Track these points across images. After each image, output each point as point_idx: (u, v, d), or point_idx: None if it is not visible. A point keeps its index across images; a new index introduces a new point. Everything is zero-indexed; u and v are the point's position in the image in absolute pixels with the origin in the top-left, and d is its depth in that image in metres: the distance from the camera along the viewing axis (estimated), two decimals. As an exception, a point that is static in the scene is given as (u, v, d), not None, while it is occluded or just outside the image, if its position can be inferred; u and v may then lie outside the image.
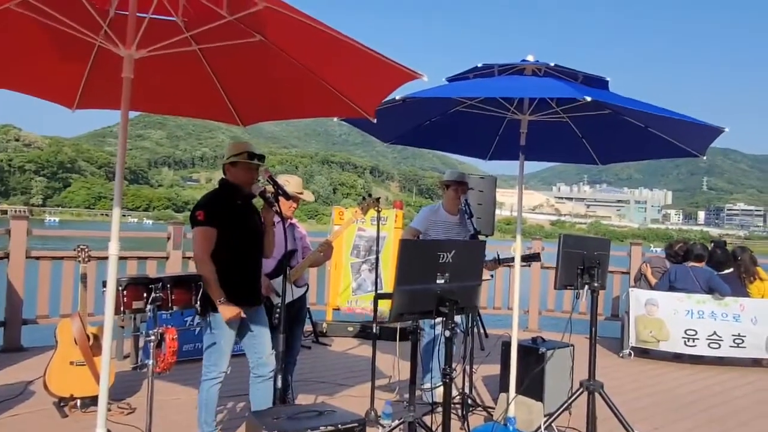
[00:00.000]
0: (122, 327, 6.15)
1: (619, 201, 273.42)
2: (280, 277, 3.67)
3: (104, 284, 4.28)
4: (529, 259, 5.43)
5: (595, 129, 4.79)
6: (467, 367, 4.83)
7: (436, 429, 3.64)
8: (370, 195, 4.45)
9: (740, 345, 7.07)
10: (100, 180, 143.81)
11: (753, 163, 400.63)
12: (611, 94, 3.93)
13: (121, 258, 6.45)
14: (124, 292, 3.06)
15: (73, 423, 4.39)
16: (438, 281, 2.92)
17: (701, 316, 7.14)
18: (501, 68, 4.68)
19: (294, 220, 4.63)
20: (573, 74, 4.40)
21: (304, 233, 4.74)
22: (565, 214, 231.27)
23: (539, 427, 3.76)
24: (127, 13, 2.86)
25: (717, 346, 7.10)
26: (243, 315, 3.63)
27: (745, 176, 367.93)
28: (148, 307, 3.19)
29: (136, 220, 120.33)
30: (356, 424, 2.80)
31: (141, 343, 5.93)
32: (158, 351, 3.19)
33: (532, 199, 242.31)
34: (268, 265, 3.98)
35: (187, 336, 6.12)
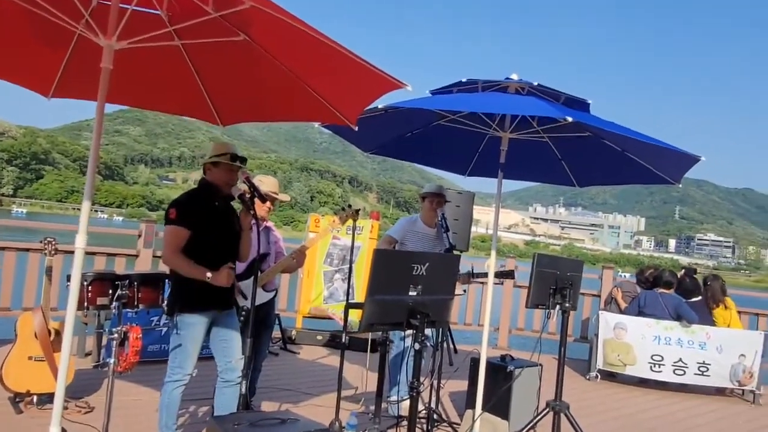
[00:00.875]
0: (85, 323, 6.02)
1: (593, 225, 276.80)
2: (249, 280, 3.61)
3: (69, 278, 4.15)
4: (502, 275, 5.43)
5: (573, 151, 4.83)
6: (435, 382, 4.80)
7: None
8: (350, 206, 4.42)
9: (704, 373, 7.15)
10: (74, 174, 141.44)
11: (725, 195, 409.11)
12: (592, 117, 3.97)
13: (89, 253, 6.36)
14: (89, 287, 3.00)
15: (28, 419, 4.26)
16: (410, 293, 2.89)
17: (668, 342, 7.21)
18: (485, 84, 4.70)
19: (269, 224, 4.57)
20: (555, 95, 4.44)
21: (279, 237, 4.69)
22: (539, 235, 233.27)
23: (504, 446, 3.74)
24: (110, 3, 2.81)
25: (682, 372, 7.17)
26: (231, 266, 3.53)
27: (716, 208, 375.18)
28: (113, 304, 3.13)
29: (106, 216, 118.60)
30: (319, 435, 2.76)
31: (104, 341, 5.79)
32: (121, 350, 3.12)
33: (507, 218, 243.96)
34: (239, 266, 3.91)
35: (153, 336, 6.00)
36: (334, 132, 4.49)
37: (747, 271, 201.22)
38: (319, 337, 7.79)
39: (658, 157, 4.28)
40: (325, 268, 8.04)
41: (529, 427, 3.88)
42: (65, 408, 4.42)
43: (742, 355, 7.11)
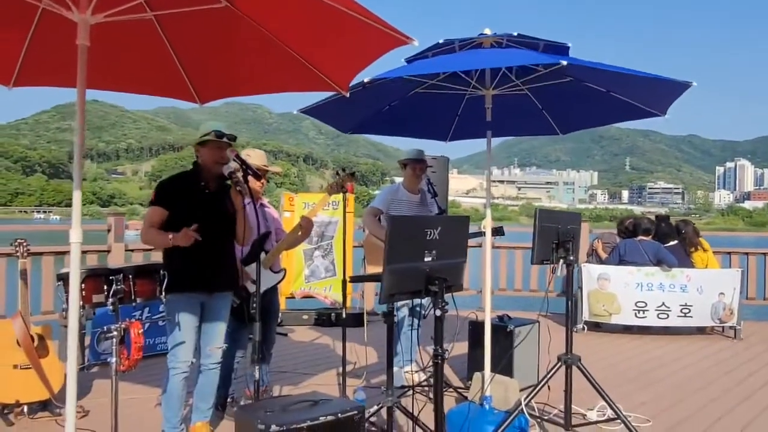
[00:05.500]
0: (65, 327, 5.75)
1: (548, 183, 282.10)
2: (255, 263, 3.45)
3: (59, 278, 3.91)
4: (495, 233, 5.37)
5: (554, 99, 4.76)
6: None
7: (419, 413, 3.53)
8: (343, 169, 4.23)
9: (687, 315, 7.30)
10: (16, 175, 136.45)
11: (671, 143, 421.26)
12: (576, 60, 3.89)
13: (58, 253, 6.02)
14: (83, 284, 2.80)
15: (22, 430, 4.05)
16: (426, 259, 2.79)
17: (650, 288, 7.33)
18: (462, 43, 4.57)
19: (264, 201, 4.35)
20: (534, 43, 4.33)
21: (277, 215, 4.47)
22: (497, 197, 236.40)
23: (519, 404, 3.71)
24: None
25: (665, 316, 7.31)
26: (195, 233, 3.32)
27: (664, 156, 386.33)
28: (110, 299, 2.93)
29: (42, 216, 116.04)
30: (356, 412, 2.65)
31: (86, 342, 5.56)
32: (121, 347, 2.94)
33: (465, 183, 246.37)
34: (241, 250, 3.71)
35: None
36: (310, 115, 4.35)
37: (697, 215, 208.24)
38: (305, 317, 7.67)
39: (643, 91, 4.23)
40: (304, 246, 7.87)
41: (543, 382, 3.85)
42: (58, 414, 4.22)
43: (722, 293, 7.28)
